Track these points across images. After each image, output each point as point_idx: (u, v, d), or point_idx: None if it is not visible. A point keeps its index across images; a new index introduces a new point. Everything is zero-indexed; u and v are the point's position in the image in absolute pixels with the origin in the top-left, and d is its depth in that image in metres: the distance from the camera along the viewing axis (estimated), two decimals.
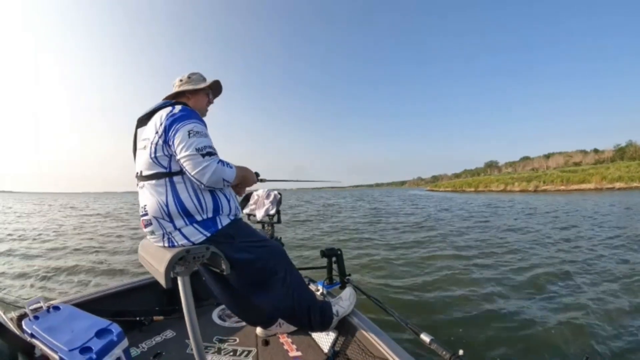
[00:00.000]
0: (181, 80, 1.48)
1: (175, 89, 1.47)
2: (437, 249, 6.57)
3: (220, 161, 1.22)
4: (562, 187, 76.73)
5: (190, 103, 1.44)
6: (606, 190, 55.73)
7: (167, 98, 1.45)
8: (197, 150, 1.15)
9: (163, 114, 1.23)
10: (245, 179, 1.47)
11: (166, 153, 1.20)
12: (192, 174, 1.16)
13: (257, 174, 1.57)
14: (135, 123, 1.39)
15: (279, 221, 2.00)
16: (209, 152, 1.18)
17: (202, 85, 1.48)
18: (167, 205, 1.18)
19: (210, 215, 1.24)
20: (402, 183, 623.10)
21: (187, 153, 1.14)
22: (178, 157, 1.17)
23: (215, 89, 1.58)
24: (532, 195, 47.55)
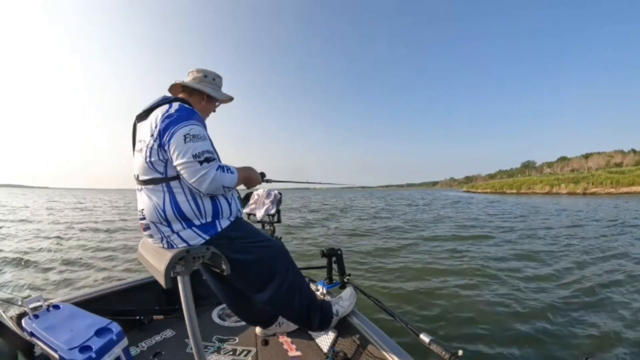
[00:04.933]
0: (205, 77, 1.38)
1: (191, 82, 1.36)
2: None
3: (220, 167, 1.16)
4: (612, 190, 70.46)
5: (197, 104, 1.35)
6: None
7: (173, 87, 1.39)
8: (194, 157, 1.09)
9: (159, 113, 1.16)
10: (249, 179, 1.40)
11: (162, 158, 1.15)
12: (190, 182, 1.12)
13: (262, 175, 1.51)
14: (134, 120, 1.31)
15: (279, 221, 1.99)
16: (207, 158, 1.12)
17: (219, 97, 1.41)
18: (164, 211, 1.15)
19: (209, 219, 1.21)
20: (434, 183, 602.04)
21: (184, 160, 1.09)
22: (175, 164, 1.12)
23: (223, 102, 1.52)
24: (584, 198, 42.24)
